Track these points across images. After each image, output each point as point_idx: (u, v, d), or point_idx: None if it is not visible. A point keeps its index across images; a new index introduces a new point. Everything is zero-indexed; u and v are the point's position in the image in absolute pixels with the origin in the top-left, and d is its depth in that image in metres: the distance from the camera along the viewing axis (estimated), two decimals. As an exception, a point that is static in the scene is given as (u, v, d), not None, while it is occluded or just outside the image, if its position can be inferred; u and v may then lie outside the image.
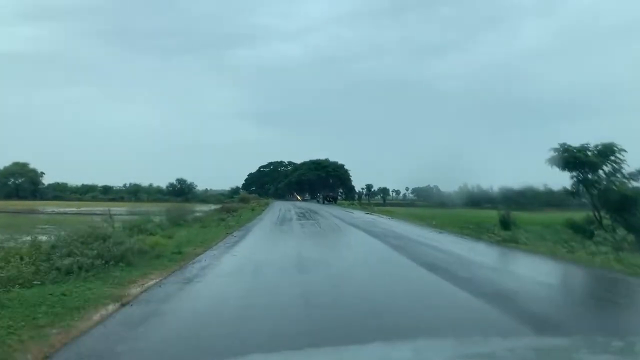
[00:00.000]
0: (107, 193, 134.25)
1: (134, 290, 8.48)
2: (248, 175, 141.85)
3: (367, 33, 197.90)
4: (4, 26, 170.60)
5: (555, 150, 22.85)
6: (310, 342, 5.07)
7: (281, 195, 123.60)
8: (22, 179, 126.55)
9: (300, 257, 12.73)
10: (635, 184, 22.32)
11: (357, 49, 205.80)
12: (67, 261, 9.67)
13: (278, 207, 51.04)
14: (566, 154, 23.75)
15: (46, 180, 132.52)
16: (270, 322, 6.31)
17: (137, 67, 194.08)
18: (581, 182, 24.24)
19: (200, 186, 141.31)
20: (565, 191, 25.51)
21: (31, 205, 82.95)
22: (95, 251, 10.58)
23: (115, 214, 19.73)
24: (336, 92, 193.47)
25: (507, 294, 8.29)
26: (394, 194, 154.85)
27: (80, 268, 9.55)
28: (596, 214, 23.63)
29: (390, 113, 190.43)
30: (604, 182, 23.20)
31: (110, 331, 5.92)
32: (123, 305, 7.29)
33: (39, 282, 8.49)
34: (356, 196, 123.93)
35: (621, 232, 21.20)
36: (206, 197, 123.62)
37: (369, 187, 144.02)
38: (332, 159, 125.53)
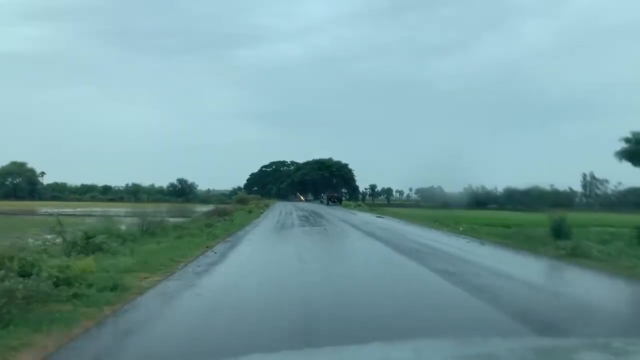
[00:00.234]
0: (106, 193, 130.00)
1: None
2: (250, 175, 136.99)
3: (369, 33, 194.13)
4: (4, 26, 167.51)
5: (628, 140, 17.83)
6: None
7: (284, 196, 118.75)
8: (20, 179, 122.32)
9: (306, 303, 7.49)
10: None
11: (357, 49, 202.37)
12: None
13: (279, 209, 45.61)
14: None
15: (47, 180, 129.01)
16: None
17: (138, 67, 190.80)
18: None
19: (203, 186, 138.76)
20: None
21: (27, 205, 78.84)
22: None
23: (96, 216, 14.83)
24: (338, 92, 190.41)
25: None
26: (397, 194, 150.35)
27: None
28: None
29: (393, 113, 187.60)
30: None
31: None
32: None
33: None
34: (360, 196, 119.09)
35: None
36: (207, 197, 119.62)
37: (372, 187, 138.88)
38: (334, 159, 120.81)
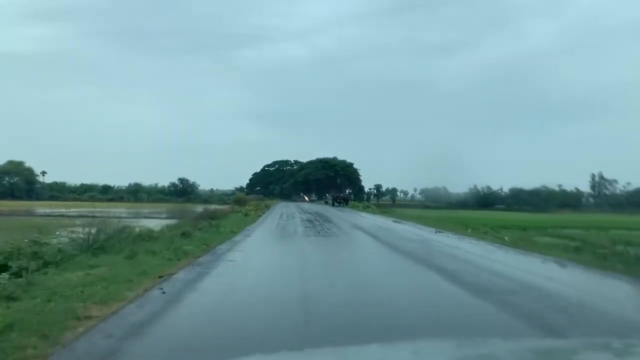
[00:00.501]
0: (106, 193, 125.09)
1: None
2: (252, 175, 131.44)
3: (371, 33, 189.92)
4: (5, 26, 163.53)
5: None
6: None
7: (287, 196, 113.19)
8: (17, 178, 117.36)
9: None
10: None
11: (360, 49, 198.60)
12: None
13: (279, 212, 39.21)
14: None
15: (48, 179, 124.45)
16: None
17: (140, 67, 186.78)
18: None
19: (207, 186, 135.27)
20: None
21: (22, 205, 74.17)
22: None
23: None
24: (339, 92, 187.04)
25: None
26: (402, 194, 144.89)
27: None
28: None
29: (396, 113, 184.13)
30: None
31: None
32: None
33: None
34: (365, 197, 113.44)
35: None
36: (208, 197, 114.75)
37: (378, 187, 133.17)
38: (338, 158, 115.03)
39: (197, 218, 24.73)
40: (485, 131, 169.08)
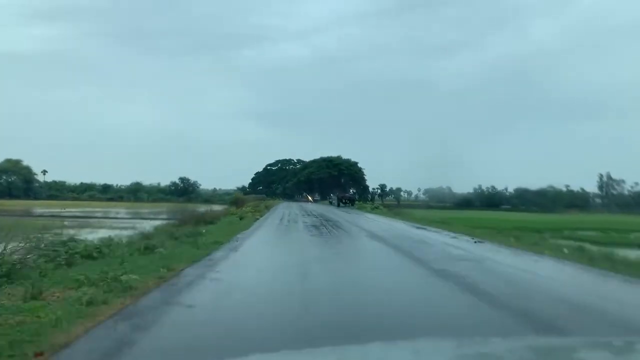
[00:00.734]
0: (106, 192, 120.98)
1: None
2: (255, 175, 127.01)
3: (372, 33, 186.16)
4: (6, 27, 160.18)
5: None
6: None
7: (290, 196, 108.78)
8: (15, 177, 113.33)
9: None
10: None
11: (361, 49, 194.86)
12: None
13: (280, 214, 34.58)
14: None
15: (49, 179, 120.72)
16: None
17: (142, 67, 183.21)
18: None
19: (210, 186, 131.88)
20: None
21: (19, 205, 70.38)
22: None
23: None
24: (341, 92, 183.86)
25: None
26: (405, 194, 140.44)
27: None
28: None
29: (398, 113, 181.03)
30: None
31: None
32: None
33: None
34: (369, 197, 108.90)
35: None
36: (210, 196, 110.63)
37: (382, 187, 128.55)
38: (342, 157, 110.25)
39: (184, 221, 20.46)
40: (487, 131, 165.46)
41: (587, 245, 17.60)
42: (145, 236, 14.64)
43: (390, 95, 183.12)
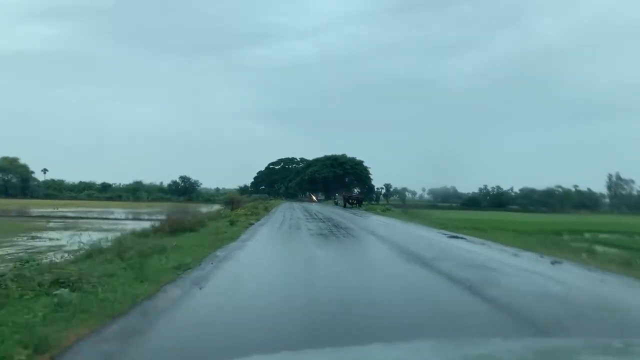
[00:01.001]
0: (105, 191, 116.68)
1: None
2: (257, 174, 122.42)
3: (380, 31, 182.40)
4: (9, 26, 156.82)
5: None
6: None
7: (292, 195, 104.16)
8: (11, 176, 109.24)
9: None
10: None
11: (368, 47, 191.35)
12: None
13: (280, 217, 29.43)
14: None
15: (48, 177, 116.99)
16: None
17: (148, 66, 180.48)
18: None
19: (213, 185, 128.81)
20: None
21: (14, 204, 66.50)
22: None
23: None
24: (347, 91, 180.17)
25: None
26: (410, 194, 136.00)
27: None
28: None
29: (403, 112, 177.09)
30: None
31: None
32: None
33: None
34: (374, 196, 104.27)
35: None
36: (211, 196, 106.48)
37: (387, 186, 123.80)
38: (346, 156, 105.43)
39: (159, 228, 15.91)
40: (492, 131, 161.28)
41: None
42: (89, 253, 10.06)
43: (396, 94, 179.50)
